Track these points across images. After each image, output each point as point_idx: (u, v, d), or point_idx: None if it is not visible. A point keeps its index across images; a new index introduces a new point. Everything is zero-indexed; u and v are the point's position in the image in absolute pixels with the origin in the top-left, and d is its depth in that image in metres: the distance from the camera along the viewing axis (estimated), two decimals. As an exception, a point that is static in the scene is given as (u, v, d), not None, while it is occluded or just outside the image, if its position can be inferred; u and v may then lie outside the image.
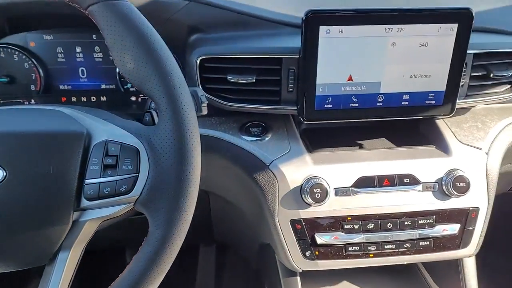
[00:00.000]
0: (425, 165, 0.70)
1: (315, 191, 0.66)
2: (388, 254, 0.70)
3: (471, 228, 0.71)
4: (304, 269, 0.72)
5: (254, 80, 0.68)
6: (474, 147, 0.73)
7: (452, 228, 0.70)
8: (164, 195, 0.47)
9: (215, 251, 1.26)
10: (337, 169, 0.69)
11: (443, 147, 0.73)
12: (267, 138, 0.73)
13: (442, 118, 0.77)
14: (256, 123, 0.75)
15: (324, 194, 0.66)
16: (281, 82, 0.70)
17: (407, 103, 0.71)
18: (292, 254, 0.69)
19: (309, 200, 0.66)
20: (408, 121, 0.76)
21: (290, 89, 0.70)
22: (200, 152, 0.48)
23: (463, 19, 0.65)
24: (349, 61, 0.67)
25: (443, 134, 0.75)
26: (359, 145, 0.78)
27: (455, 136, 0.75)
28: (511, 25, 0.77)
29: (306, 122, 0.71)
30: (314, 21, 0.63)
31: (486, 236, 0.76)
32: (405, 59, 0.68)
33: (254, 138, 0.73)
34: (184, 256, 1.32)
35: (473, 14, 0.65)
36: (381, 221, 0.69)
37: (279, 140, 0.72)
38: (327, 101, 0.69)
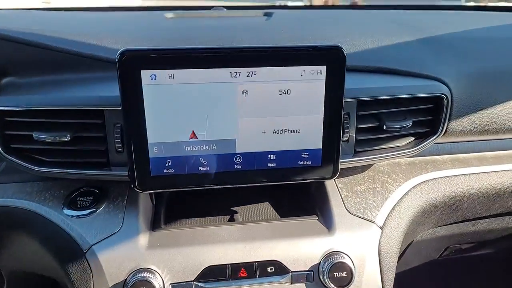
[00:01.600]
0: (299, 246, 0.54)
1: (139, 290, 0.49)
2: None
3: (359, 331, 0.54)
4: None
5: (68, 139, 0.52)
6: (365, 219, 0.57)
7: (332, 333, 0.53)
8: None
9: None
10: (177, 255, 0.52)
11: (327, 220, 0.57)
12: (98, 211, 0.56)
13: (323, 181, 0.61)
14: (88, 191, 0.58)
15: (153, 293, 0.49)
16: (107, 141, 0.54)
17: (274, 164, 0.55)
18: None
19: (132, 303, 0.49)
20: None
21: (119, 149, 0.54)
22: None
23: (332, 60, 0.51)
24: (189, 114, 0.51)
25: (329, 200, 0.59)
26: (232, 214, 0.62)
27: (344, 204, 0.59)
28: (406, 63, 0.63)
29: (142, 192, 0.54)
30: (132, 63, 0.48)
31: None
32: (263, 111, 0.52)
33: (81, 212, 0.56)
34: None
35: (345, 54, 0.50)
36: (235, 327, 0.51)
37: (113, 213, 0.56)
38: (167, 165, 0.53)
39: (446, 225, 0.73)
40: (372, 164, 0.66)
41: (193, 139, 0.52)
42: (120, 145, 0.53)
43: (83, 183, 0.59)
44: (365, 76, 0.61)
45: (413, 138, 0.63)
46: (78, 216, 0.55)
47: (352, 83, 0.56)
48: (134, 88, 0.49)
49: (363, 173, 0.65)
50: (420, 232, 0.71)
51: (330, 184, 0.61)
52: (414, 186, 0.63)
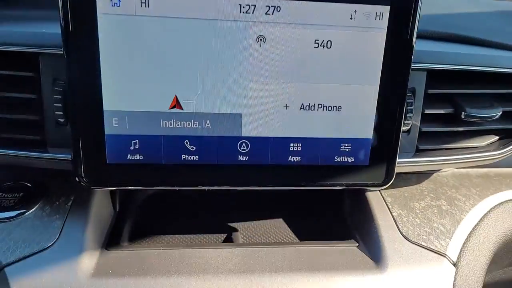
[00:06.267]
0: (329, 287, 0.34)
1: None
2: None
3: None
4: None
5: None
6: (431, 249, 0.38)
7: None
8: None
9: None
10: (136, 291, 0.33)
11: (373, 247, 0.38)
12: (26, 214, 0.37)
13: (370, 190, 0.42)
14: (18, 185, 0.39)
15: None
16: (43, 106, 0.35)
17: (297, 159, 0.36)
18: None
19: None
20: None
21: (61, 120, 0.35)
22: None
23: (400, -3, 0.33)
24: (172, 69, 0.33)
25: (375, 219, 0.40)
26: (230, 232, 0.43)
27: (397, 226, 0.39)
28: (492, 34, 0.45)
29: (91, 188, 0.35)
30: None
31: None
32: (287, 72, 0.34)
33: (4, 214, 0.37)
34: None
35: (421, -11, 0.32)
36: None
37: (48, 220, 0.36)
38: (133, 148, 0.34)
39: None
40: (431, 174, 0.47)
41: (174, 109, 0.34)
42: (61, 113, 0.34)
43: (11, 175, 0.40)
44: (436, 44, 0.43)
45: (497, 138, 0.44)
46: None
47: (420, 46, 0.38)
48: (84, 20, 0.31)
49: (420, 184, 0.46)
50: (489, 273, 0.51)
51: (374, 197, 0.42)
52: (494, 207, 0.44)
